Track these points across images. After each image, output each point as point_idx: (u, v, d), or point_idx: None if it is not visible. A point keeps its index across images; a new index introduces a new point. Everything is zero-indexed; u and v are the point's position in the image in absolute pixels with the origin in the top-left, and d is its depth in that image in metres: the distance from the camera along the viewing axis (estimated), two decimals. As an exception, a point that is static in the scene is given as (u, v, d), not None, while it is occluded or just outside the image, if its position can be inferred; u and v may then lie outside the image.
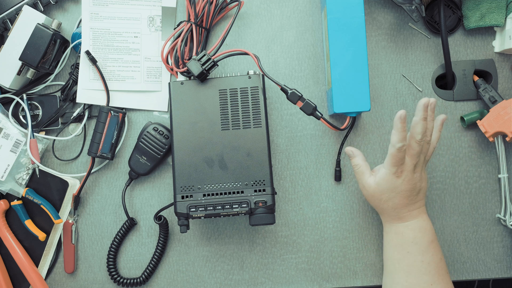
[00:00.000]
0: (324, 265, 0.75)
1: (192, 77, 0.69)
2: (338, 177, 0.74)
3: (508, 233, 0.74)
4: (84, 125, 0.75)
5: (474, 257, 0.74)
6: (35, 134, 0.73)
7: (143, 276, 0.74)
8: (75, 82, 0.74)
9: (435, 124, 0.66)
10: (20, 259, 0.73)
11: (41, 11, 0.74)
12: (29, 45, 0.70)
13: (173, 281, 0.75)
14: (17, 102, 0.74)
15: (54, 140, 0.75)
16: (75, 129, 0.76)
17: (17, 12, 0.72)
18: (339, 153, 0.74)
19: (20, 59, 0.70)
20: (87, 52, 0.73)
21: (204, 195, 0.66)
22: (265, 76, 0.67)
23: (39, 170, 0.74)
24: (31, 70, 0.73)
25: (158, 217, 0.73)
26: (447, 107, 0.75)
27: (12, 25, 0.72)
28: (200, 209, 0.65)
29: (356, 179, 0.71)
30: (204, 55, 0.67)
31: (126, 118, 0.75)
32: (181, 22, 0.73)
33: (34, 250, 0.75)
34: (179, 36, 0.73)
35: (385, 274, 0.68)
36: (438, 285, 0.64)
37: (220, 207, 0.65)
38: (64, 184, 0.74)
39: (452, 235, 0.74)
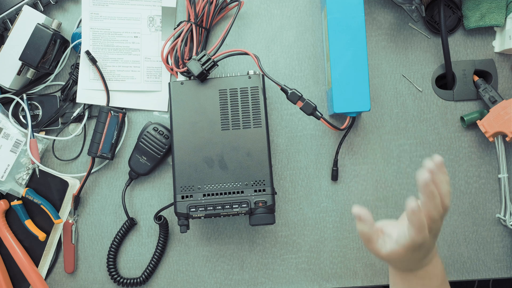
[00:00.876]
0: (324, 265, 0.75)
1: (192, 77, 0.69)
2: (335, 176, 0.74)
3: (508, 233, 0.74)
4: (84, 125, 0.75)
5: (474, 257, 0.74)
6: (35, 134, 0.73)
7: (143, 276, 0.74)
8: (75, 82, 0.74)
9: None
10: (20, 259, 0.73)
11: (41, 11, 0.74)
12: (29, 45, 0.69)
13: (173, 281, 0.75)
14: (17, 102, 0.74)
15: (54, 140, 0.75)
16: (75, 129, 0.76)
17: (17, 12, 0.72)
18: (337, 153, 0.74)
19: (20, 59, 0.70)
20: (87, 52, 0.73)
21: (204, 195, 0.66)
22: (265, 76, 0.67)
23: (39, 170, 0.74)
24: (31, 70, 0.73)
25: (158, 217, 0.73)
26: (447, 107, 0.75)
27: (12, 25, 0.72)
28: (200, 209, 0.65)
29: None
30: (204, 55, 0.67)
31: (126, 118, 0.75)
32: (181, 22, 0.73)
33: (34, 250, 0.75)
34: (179, 36, 0.73)
35: None
36: None
37: (220, 207, 0.65)
38: (64, 184, 0.74)
39: (452, 235, 0.74)
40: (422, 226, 0.50)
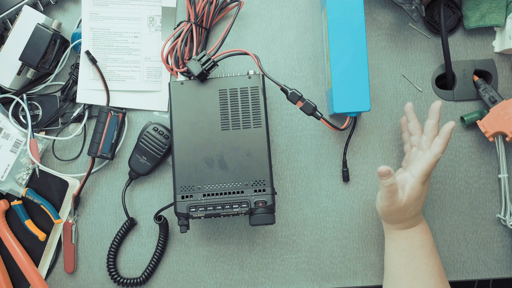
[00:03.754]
0: (324, 265, 0.75)
1: (192, 77, 0.69)
2: (346, 177, 0.74)
3: (508, 233, 0.74)
4: (84, 125, 0.75)
5: (474, 257, 0.74)
6: (35, 134, 0.73)
7: (143, 276, 0.74)
8: (75, 82, 0.74)
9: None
10: (20, 259, 0.73)
11: (41, 11, 0.74)
12: (29, 45, 0.70)
13: (173, 281, 0.75)
14: (17, 102, 0.74)
15: (54, 140, 0.75)
16: (75, 129, 0.76)
17: (17, 12, 0.72)
18: (345, 154, 0.74)
19: (20, 59, 0.70)
20: (87, 52, 0.73)
21: (204, 195, 0.66)
22: (265, 76, 0.67)
23: (39, 170, 0.74)
24: (31, 70, 0.73)
25: (158, 217, 0.73)
26: (447, 107, 0.75)
27: (12, 25, 0.72)
28: (200, 209, 0.65)
29: (381, 194, 0.65)
30: (204, 55, 0.67)
31: (126, 118, 0.75)
32: (181, 22, 0.73)
33: (34, 250, 0.75)
34: (179, 36, 0.73)
35: (387, 280, 0.68)
36: None
37: (220, 207, 0.65)
38: (64, 184, 0.74)
39: (452, 235, 0.74)
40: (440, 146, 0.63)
